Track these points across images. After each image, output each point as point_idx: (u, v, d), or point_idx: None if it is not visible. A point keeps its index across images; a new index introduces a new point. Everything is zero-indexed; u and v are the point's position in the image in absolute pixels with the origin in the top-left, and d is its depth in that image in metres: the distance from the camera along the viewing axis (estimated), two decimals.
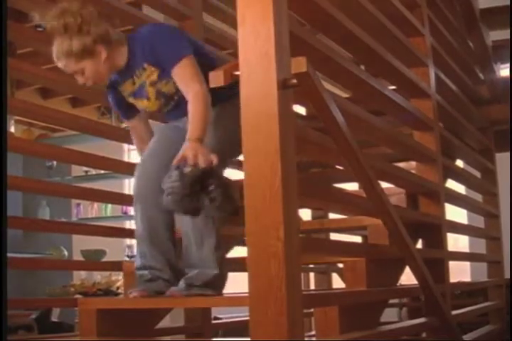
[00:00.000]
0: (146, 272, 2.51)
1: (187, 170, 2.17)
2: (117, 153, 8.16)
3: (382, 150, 3.48)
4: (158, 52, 2.47)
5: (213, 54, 2.73)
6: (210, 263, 2.40)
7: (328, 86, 2.61)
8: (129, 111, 2.75)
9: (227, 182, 2.23)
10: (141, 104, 2.64)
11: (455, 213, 5.14)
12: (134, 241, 6.88)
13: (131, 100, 2.66)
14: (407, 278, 3.04)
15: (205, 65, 2.47)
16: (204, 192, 2.18)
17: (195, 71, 2.41)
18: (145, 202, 2.52)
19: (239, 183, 1.96)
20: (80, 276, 6.54)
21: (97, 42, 2.48)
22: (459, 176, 3.94)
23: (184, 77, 2.42)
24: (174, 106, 2.60)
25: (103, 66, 2.52)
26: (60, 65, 2.51)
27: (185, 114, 2.43)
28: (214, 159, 2.20)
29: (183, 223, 2.41)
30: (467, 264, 6.77)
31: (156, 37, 2.50)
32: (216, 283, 2.41)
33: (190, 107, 2.36)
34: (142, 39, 2.51)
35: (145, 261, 2.52)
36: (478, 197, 4.63)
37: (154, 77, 2.53)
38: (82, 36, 2.47)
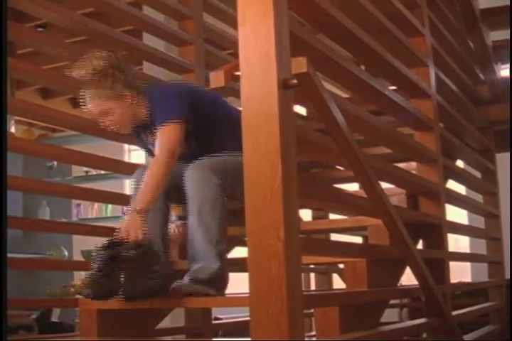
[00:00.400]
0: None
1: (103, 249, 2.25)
2: (117, 154, 8.15)
3: (383, 151, 3.48)
4: (153, 113, 2.55)
5: (230, 106, 2.73)
6: (213, 257, 2.40)
7: (328, 86, 2.60)
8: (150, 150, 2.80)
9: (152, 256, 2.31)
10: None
11: (455, 213, 5.14)
12: None
13: (150, 147, 2.73)
14: (408, 278, 3.04)
15: (215, 119, 2.57)
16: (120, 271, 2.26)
17: (171, 137, 2.48)
18: None
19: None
20: (80, 276, 6.54)
21: (125, 87, 2.56)
22: (460, 176, 3.94)
23: (159, 140, 2.49)
24: (190, 155, 2.60)
25: (128, 111, 2.59)
26: (87, 106, 2.56)
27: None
28: (140, 236, 2.31)
29: (190, 216, 2.43)
30: (468, 265, 6.76)
31: (155, 97, 2.57)
32: (219, 279, 2.42)
33: (146, 172, 2.43)
34: (152, 99, 2.58)
35: None
36: (478, 197, 4.63)
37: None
38: (113, 79, 2.53)
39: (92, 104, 2.54)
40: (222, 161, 2.47)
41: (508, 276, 4.56)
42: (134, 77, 2.62)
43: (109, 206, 8.45)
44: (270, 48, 1.74)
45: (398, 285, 3.09)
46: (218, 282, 2.42)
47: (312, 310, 2.87)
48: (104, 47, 2.63)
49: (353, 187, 4.07)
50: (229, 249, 2.55)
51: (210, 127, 2.59)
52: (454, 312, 3.19)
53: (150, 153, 2.78)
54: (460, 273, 6.44)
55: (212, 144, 2.62)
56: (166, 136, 2.48)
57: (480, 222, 4.70)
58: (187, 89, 2.65)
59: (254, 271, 1.72)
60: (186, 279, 2.40)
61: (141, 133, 2.75)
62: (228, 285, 2.47)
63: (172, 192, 2.55)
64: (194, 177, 2.42)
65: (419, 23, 3.29)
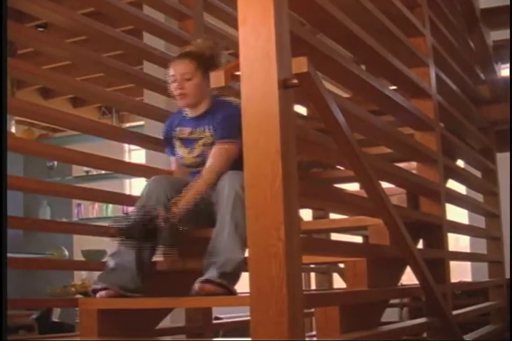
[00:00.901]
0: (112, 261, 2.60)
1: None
2: (118, 154, 8.17)
3: (383, 151, 3.48)
4: (225, 126, 2.77)
5: None
6: (238, 249, 2.45)
7: (328, 86, 2.61)
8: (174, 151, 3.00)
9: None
10: (182, 151, 2.93)
11: (456, 213, 5.14)
12: None
13: (176, 142, 2.94)
14: (408, 278, 3.05)
15: None
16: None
17: (227, 157, 2.72)
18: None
19: None
20: (80, 276, 6.55)
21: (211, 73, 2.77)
22: (460, 176, 3.94)
23: (215, 155, 2.74)
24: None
25: (201, 90, 2.82)
26: (182, 63, 2.82)
27: None
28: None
29: (222, 207, 2.53)
30: (468, 264, 6.77)
31: (234, 116, 2.64)
32: (239, 273, 2.47)
33: (199, 177, 2.71)
34: (224, 110, 2.83)
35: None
36: (479, 197, 4.63)
37: (209, 141, 2.83)
38: (215, 63, 2.85)
39: (187, 65, 2.80)
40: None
41: (508, 276, 4.56)
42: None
43: (110, 206, 8.46)
44: (270, 48, 1.74)
45: (398, 284, 3.10)
46: (237, 276, 2.45)
47: (312, 310, 2.87)
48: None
49: (353, 187, 4.08)
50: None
51: None
52: (455, 312, 3.19)
53: (172, 146, 2.96)
54: (460, 272, 6.45)
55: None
56: (226, 155, 2.73)
57: (480, 222, 4.70)
58: None
59: (254, 270, 1.72)
60: (213, 272, 2.41)
61: (180, 126, 2.92)
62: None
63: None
64: (233, 177, 2.56)
65: (420, 22, 3.29)
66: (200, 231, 2.74)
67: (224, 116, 2.80)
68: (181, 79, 2.81)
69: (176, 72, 2.82)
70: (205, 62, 2.83)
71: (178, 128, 2.94)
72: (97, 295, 2.50)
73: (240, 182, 2.47)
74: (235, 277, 2.45)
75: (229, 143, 2.73)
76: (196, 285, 2.38)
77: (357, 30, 2.45)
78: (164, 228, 2.54)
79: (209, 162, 2.75)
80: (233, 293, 2.43)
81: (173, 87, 2.84)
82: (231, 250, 2.45)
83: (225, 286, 2.39)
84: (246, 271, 1.76)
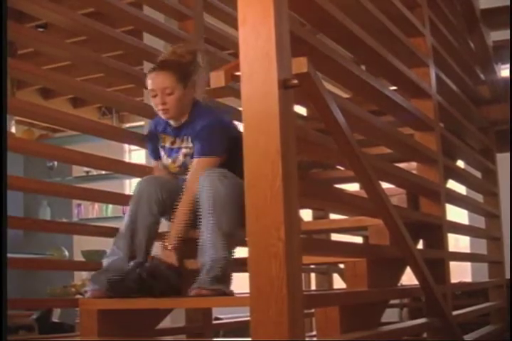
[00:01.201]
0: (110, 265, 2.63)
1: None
2: (118, 154, 8.17)
3: (383, 151, 3.48)
4: (202, 139, 2.73)
5: None
6: (223, 249, 2.46)
7: (328, 86, 2.60)
8: (158, 153, 2.96)
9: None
10: (165, 160, 2.91)
11: (456, 213, 5.14)
12: None
13: (161, 149, 2.92)
14: (408, 278, 3.04)
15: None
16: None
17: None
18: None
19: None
20: (80, 277, 6.55)
21: (195, 83, 2.79)
22: (460, 176, 3.94)
23: (195, 171, 2.67)
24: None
25: (183, 102, 2.76)
26: (157, 77, 2.74)
27: None
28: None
29: (204, 209, 2.52)
30: (468, 264, 6.76)
31: (212, 128, 2.76)
32: (228, 273, 2.48)
33: (181, 202, 2.63)
34: (205, 121, 2.77)
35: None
36: (479, 197, 4.63)
37: (189, 151, 2.81)
38: (194, 70, 2.79)
39: (166, 78, 2.72)
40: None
41: (508, 276, 4.56)
42: (204, 85, 2.84)
43: (110, 206, 8.47)
44: (271, 48, 1.74)
45: (398, 285, 3.09)
46: (229, 276, 2.46)
47: (313, 310, 2.87)
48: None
49: (353, 187, 4.08)
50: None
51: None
52: (455, 312, 3.19)
53: (157, 154, 2.95)
54: (460, 273, 6.44)
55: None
56: (202, 168, 2.65)
57: (480, 222, 4.70)
58: (231, 121, 2.88)
59: (254, 270, 1.72)
60: (205, 278, 2.41)
61: (163, 134, 2.89)
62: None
63: (169, 208, 2.69)
64: (210, 176, 2.54)
65: (420, 23, 3.29)
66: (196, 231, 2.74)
67: (202, 128, 2.74)
68: (162, 94, 2.72)
69: (155, 87, 2.73)
70: (184, 71, 2.76)
71: (162, 135, 2.91)
72: (86, 295, 2.54)
73: (217, 179, 2.52)
74: (226, 278, 2.46)
75: (208, 156, 2.71)
76: (192, 292, 2.39)
77: (357, 31, 2.45)
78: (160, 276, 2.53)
79: (188, 179, 2.69)
80: (229, 294, 2.44)
81: (154, 102, 2.76)
82: (215, 251, 2.46)
83: (219, 290, 2.41)
84: (245, 271, 1.75)
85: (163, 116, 2.80)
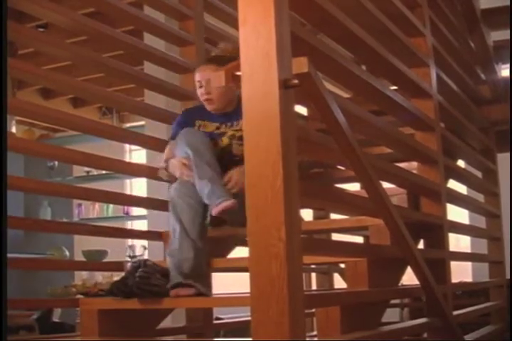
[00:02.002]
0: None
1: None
2: (118, 154, 8.17)
3: (384, 151, 3.48)
4: None
5: None
6: (189, 249, 2.53)
7: (329, 86, 2.60)
8: None
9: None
10: None
11: (456, 213, 5.13)
12: (135, 242, 6.89)
13: (214, 136, 2.96)
14: (409, 278, 3.04)
15: None
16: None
17: None
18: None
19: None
20: (81, 277, 6.54)
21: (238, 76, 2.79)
22: (461, 176, 3.94)
23: None
24: (228, 160, 2.85)
25: (228, 94, 2.89)
26: (204, 69, 2.89)
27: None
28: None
29: (179, 212, 2.60)
30: (469, 264, 6.76)
31: None
32: (200, 273, 2.52)
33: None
34: None
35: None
36: (479, 197, 4.63)
37: (239, 134, 2.87)
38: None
39: (211, 70, 2.84)
40: None
41: (508, 276, 4.56)
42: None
43: (111, 206, 8.47)
44: (271, 48, 1.74)
45: (399, 285, 3.09)
46: (201, 277, 2.48)
47: (313, 310, 2.87)
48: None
49: (354, 187, 4.08)
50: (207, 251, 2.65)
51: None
52: (455, 312, 3.19)
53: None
54: (461, 272, 6.44)
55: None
56: None
57: (481, 222, 4.70)
58: None
59: (255, 270, 1.72)
60: (177, 276, 2.46)
61: (205, 120, 2.97)
62: (229, 285, 2.49)
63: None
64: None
65: (420, 23, 3.29)
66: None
67: None
68: (207, 85, 2.87)
69: (201, 78, 2.89)
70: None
71: (200, 122, 2.98)
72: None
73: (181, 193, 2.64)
74: (197, 278, 2.49)
75: None
76: (171, 293, 2.46)
77: (357, 31, 2.45)
78: None
79: None
80: (204, 294, 2.47)
81: (199, 93, 2.92)
82: (182, 251, 2.55)
83: (192, 285, 2.47)
84: (246, 271, 1.76)
85: (207, 107, 2.94)
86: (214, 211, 2.55)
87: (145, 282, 2.44)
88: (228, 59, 2.83)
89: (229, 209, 2.53)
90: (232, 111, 2.94)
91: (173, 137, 2.99)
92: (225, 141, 2.93)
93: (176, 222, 2.60)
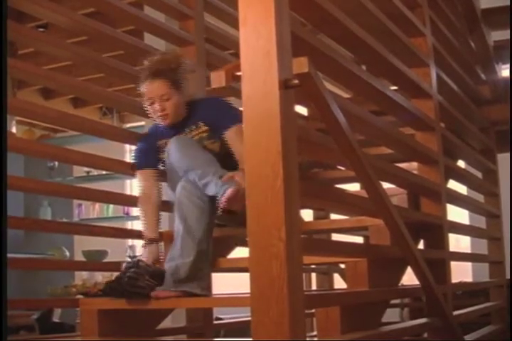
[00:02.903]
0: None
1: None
2: (119, 154, 8.17)
3: (384, 151, 3.48)
4: (219, 115, 2.84)
5: None
6: (190, 252, 2.50)
7: (329, 86, 2.60)
8: (148, 161, 2.97)
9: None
10: None
11: (456, 213, 5.13)
12: (135, 242, 6.90)
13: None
14: (409, 278, 3.04)
15: None
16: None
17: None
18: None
19: None
20: (81, 277, 6.54)
21: (185, 82, 2.88)
22: (461, 176, 3.94)
23: (239, 138, 2.67)
24: None
25: (181, 105, 2.86)
26: (152, 85, 2.81)
27: None
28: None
29: (185, 212, 2.58)
30: (469, 264, 6.76)
31: (221, 104, 2.89)
32: (199, 276, 2.50)
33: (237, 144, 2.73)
34: (207, 103, 2.93)
35: None
36: (479, 197, 4.63)
37: (204, 134, 2.86)
38: (182, 72, 2.88)
39: (162, 85, 2.80)
40: None
41: (508, 276, 4.56)
42: (191, 86, 2.97)
43: (111, 206, 8.46)
44: (271, 48, 1.74)
45: (399, 285, 3.09)
46: (199, 280, 2.47)
47: (313, 310, 2.87)
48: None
49: (354, 187, 4.08)
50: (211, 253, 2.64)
51: None
52: (455, 312, 3.19)
53: (148, 162, 2.97)
54: (461, 273, 6.43)
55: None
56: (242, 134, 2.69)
57: (481, 222, 4.70)
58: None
59: (255, 271, 1.72)
60: (170, 282, 2.45)
61: (164, 136, 2.91)
62: (230, 285, 2.49)
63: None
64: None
65: (421, 22, 3.29)
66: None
67: (211, 105, 2.89)
68: (160, 101, 2.81)
69: (152, 95, 2.81)
70: (175, 76, 2.85)
71: (164, 141, 2.91)
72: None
73: (193, 190, 2.60)
74: (192, 279, 2.49)
75: (237, 123, 2.73)
76: (152, 294, 2.45)
77: (358, 31, 2.45)
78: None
79: (236, 150, 2.76)
80: (199, 294, 2.46)
81: (152, 109, 2.84)
82: (182, 254, 2.52)
83: (184, 291, 2.48)
84: (246, 271, 1.76)
85: (162, 123, 2.87)
86: (223, 199, 2.51)
87: (132, 283, 2.44)
88: (172, 69, 2.85)
89: (234, 196, 2.49)
90: (182, 119, 2.90)
91: (140, 166, 2.97)
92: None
93: (181, 221, 2.57)
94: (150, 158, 2.96)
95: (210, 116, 2.86)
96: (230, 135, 2.81)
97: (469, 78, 4.17)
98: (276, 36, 1.74)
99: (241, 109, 1.82)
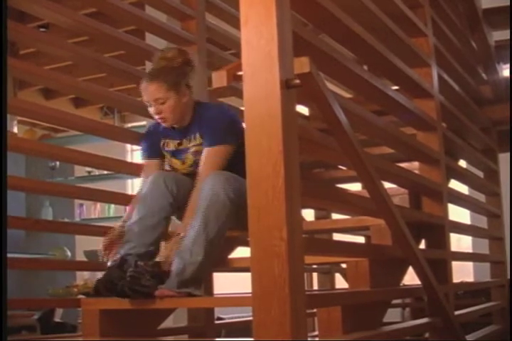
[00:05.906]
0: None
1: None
2: (120, 154, 8.18)
3: (385, 151, 3.48)
4: (211, 129, 2.75)
5: None
6: (200, 251, 2.45)
7: (331, 86, 2.61)
8: (154, 152, 2.94)
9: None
10: (174, 163, 2.90)
11: (458, 213, 5.13)
12: None
13: (166, 155, 2.91)
14: (410, 278, 3.04)
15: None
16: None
17: (222, 160, 2.68)
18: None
19: None
20: (83, 277, 6.54)
21: (186, 86, 2.79)
22: (462, 176, 3.94)
23: (210, 159, 2.68)
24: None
25: (180, 108, 2.77)
26: (148, 88, 2.75)
27: None
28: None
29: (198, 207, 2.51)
30: (470, 264, 6.76)
31: (220, 120, 2.77)
32: (200, 277, 2.48)
33: (194, 191, 2.59)
34: (211, 114, 2.80)
35: None
36: (481, 197, 4.63)
37: (199, 148, 2.78)
38: (181, 73, 2.79)
39: (157, 88, 2.73)
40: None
41: (510, 276, 4.56)
42: (190, 84, 2.84)
43: (112, 206, 8.46)
44: (273, 48, 1.74)
45: (401, 284, 3.10)
46: (201, 281, 2.47)
47: (315, 310, 2.88)
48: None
49: (355, 187, 4.08)
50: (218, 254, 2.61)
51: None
52: (457, 312, 3.19)
53: (153, 152, 2.93)
54: (462, 272, 6.44)
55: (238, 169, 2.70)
56: (218, 157, 2.69)
57: (482, 222, 4.70)
58: (236, 114, 2.87)
59: (257, 270, 1.72)
60: (174, 282, 2.43)
61: (167, 138, 2.89)
62: (230, 285, 2.49)
63: (183, 208, 2.64)
64: (215, 179, 2.52)
65: (422, 23, 3.29)
66: None
67: (208, 119, 2.77)
68: (156, 104, 2.75)
69: (148, 99, 2.76)
70: (174, 77, 2.76)
71: (164, 140, 2.90)
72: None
73: (222, 184, 2.48)
74: (196, 281, 2.47)
75: (218, 145, 2.68)
76: (157, 292, 2.42)
77: (359, 31, 2.46)
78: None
79: (200, 171, 2.68)
80: (196, 296, 2.46)
81: (151, 112, 2.80)
82: (192, 252, 2.46)
83: (186, 293, 2.44)
84: (248, 271, 1.76)
85: (163, 124, 2.83)
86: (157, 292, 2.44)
87: (136, 282, 2.42)
88: (169, 69, 2.77)
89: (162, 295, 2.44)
90: (189, 123, 2.83)
91: (149, 156, 2.94)
92: (189, 158, 2.84)
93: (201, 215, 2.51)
94: (154, 151, 2.93)
95: (206, 129, 2.78)
96: (204, 155, 2.73)
97: (471, 78, 4.17)
98: (277, 36, 1.74)
99: (242, 108, 1.82)
